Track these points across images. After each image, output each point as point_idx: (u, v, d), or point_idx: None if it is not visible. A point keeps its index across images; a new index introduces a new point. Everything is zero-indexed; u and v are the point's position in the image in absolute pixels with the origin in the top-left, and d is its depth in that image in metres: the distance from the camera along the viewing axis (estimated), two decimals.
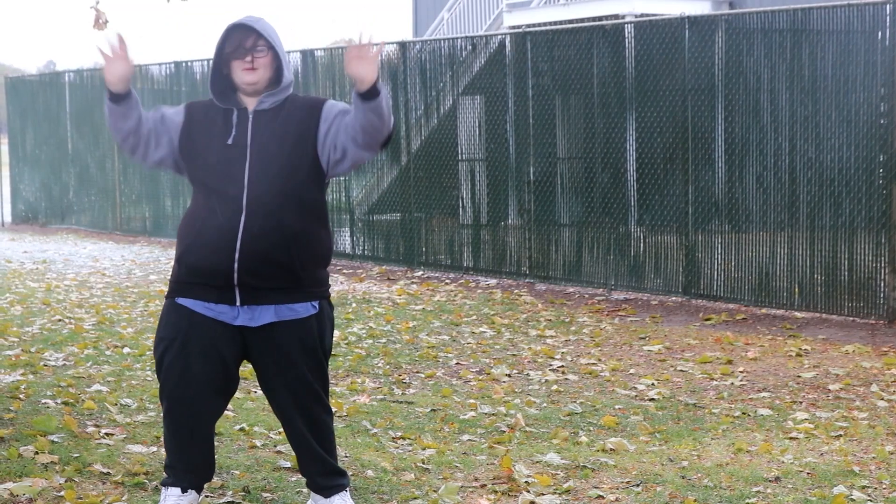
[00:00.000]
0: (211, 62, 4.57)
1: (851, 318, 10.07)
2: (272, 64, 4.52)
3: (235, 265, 4.46)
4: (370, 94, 4.35)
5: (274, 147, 4.50)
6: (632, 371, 8.07)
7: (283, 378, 4.61)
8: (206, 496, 5.02)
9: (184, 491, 4.69)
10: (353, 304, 11.07)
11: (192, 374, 4.55)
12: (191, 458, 4.68)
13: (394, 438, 6.16)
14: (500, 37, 13.86)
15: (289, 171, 4.49)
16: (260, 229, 4.45)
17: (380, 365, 8.19)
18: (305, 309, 4.57)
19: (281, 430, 6.19)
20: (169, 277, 4.69)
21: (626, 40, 11.76)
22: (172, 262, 4.71)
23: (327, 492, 4.78)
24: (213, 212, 4.47)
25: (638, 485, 5.36)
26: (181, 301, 4.56)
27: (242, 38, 4.50)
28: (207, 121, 4.56)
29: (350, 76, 4.38)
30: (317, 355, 4.63)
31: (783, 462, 5.72)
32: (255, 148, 4.50)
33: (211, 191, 4.49)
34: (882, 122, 9.91)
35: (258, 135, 4.51)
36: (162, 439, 5.98)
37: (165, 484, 4.72)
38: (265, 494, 5.15)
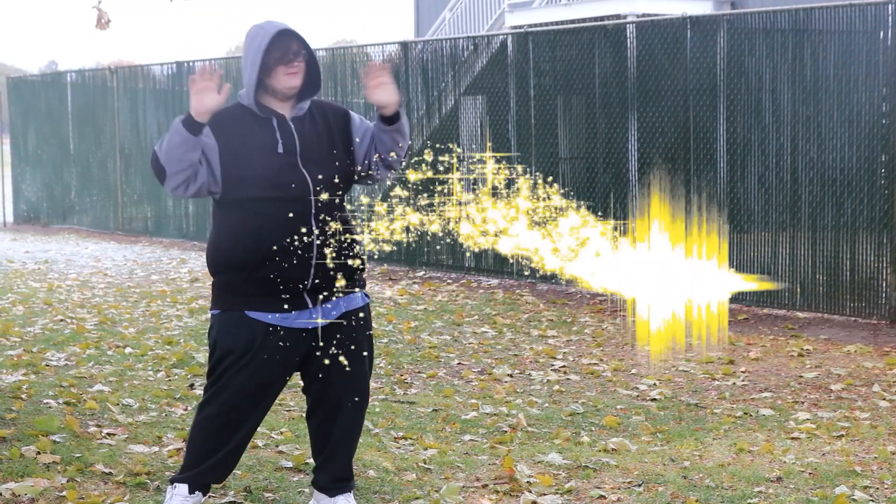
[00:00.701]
0: (252, 69, 4.46)
1: (853, 318, 10.06)
2: (306, 69, 4.57)
3: (312, 270, 4.48)
4: (395, 117, 4.53)
5: (320, 150, 4.54)
6: (633, 371, 8.07)
7: (345, 369, 4.63)
8: (209, 496, 5.02)
9: (191, 492, 4.68)
10: None
11: (262, 386, 4.57)
12: (215, 463, 4.66)
13: (395, 438, 6.16)
14: (501, 37, 13.86)
15: (337, 172, 4.55)
16: (331, 232, 4.50)
17: (381, 365, 8.19)
18: (362, 298, 4.71)
19: (282, 430, 6.20)
20: (218, 287, 4.59)
21: (628, 40, 11.76)
22: (221, 274, 4.56)
23: (333, 491, 4.78)
24: (279, 221, 4.42)
25: (640, 485, 5.36)
26: (253, 315, 4.51)
27: (288, 44, 4.52)
28: (243, 132, 4.50)
29: (373, 103, 4.54)
30: (371, 343, 4.76)
31: (785, 462, 5.71)
32: (304, 152, 4.51)
33: (270, 201, 4.44)
34: (884, 122, 9.91)
35: (304, 140, 4.54)
36: (164, 439, 5.99)
37: (176, 481, 4.70)
38: (267, 494, 5.16)
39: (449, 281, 13.02)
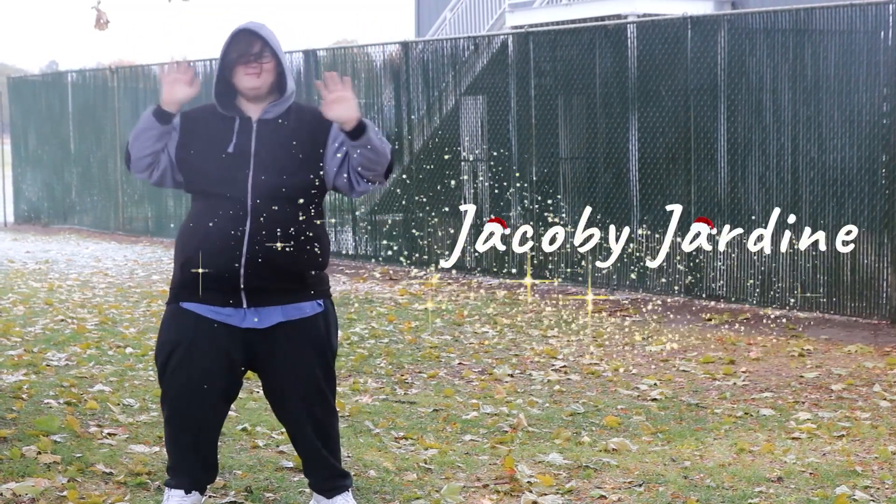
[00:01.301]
0: (215, 67, 4.54)
1: (854, 319, 10.06)
2: (275, 70, 4.53)
3: (241, 269, 4.47)
4: (357, 132, 4.40)
5: (281, 155, 4.50)
6: (634, 371, 8.07)
7: (291, 378, 4.61)
8: (209, 496, 5.02)
9: (187, 492, 4.68)
10: (356, 304, 11.07)
11: (199, 379, 4.54)
12: (193, 462, 4.67)
13: (396, 438, 6.16)
14: (502, 37, 13.86)
15: (295, 180, 4.50)
16: (266, 234, 4.46)
17: (382, 365, 8.19)
18: (312, 307, 4.61)
19: (283, 430, 6.20)
20: (170, 281, 4.68)
21: (629, 40, 11.76)
22: (173, 267, 4.68)
23: (330, 493, 4.78)
24: (216, 218, 4.47)
25: (640, 485, 5.36)
26: (186, 306, 4.55)
27: (248, 44, 4.49)
28: (205, 128, 4.55)
29: (329, 119, 4.42)
30: (325, 354, 4.65)
31: (785, 462, 5.71)
32: (261, 156, 4.49)
33: (212, 197, 4.49)
34: (885, 122, 9.91)
35: (263, 143, 4.51)
36: (163, 440, 6.00)
37: (168, 485, 4.72)
38: (267, 494, 5.15)
39: (449, 281, 13.02)
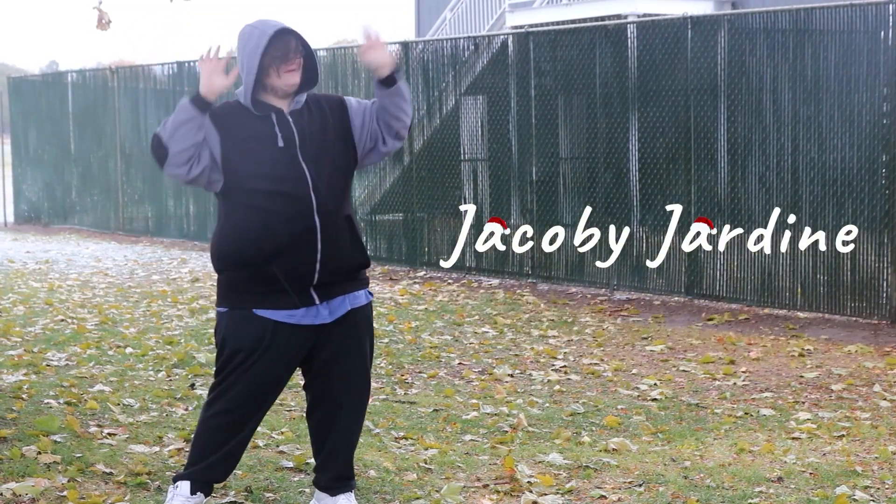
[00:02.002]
0: (251, 69, 4.48)
1: (854, 319, 10.06)
2: (305, 65, 4.60)
3: (318, 266, 4.49)
4: (391, 79, 4.56)
5: (320, 143, 4.56)
6: (634, 371, 8.07)
7: (348, 364, 4.65)
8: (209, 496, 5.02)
9: (193, 492, 4.66)
10: None
11: (267, 384, 4.58)
12: (218, 461, 4.66)
13: (396, 438, 6.16)
14: (502, 37, 13.86)
15: (338, 164, 4.58)
16: (335, 227, 4.52)
17: (382, 365, 8.19)
18: (366, 296, 4.71)
19: (283, 430, 6.20)
20: (224, 285, 4.57)
21: (629, 40, 11.76)
22: (226, 272, 4.54)
23: (334, 490, 4.79)
24: (282, 217, 4.44)
25: (640, 485, 5.36)
26: (261, 312, 4.50)
27: (287, 43, 4.53)
28: (243, 128, 4.52)
29: (368, 65, 4.57)
30: (372, 341, 4.78)
31: (785, 462, 5.71)
32: (304, 146, 4.53)
33: (271, 196, 4.45)
34: (885, 122, 9.91)
35: (303, 134, 4.55)
36: (165, 439, 6.00)
37: (180, 478, 4.69)
38: (267, 494, 5.16)
39: (449, 281, 13.02)
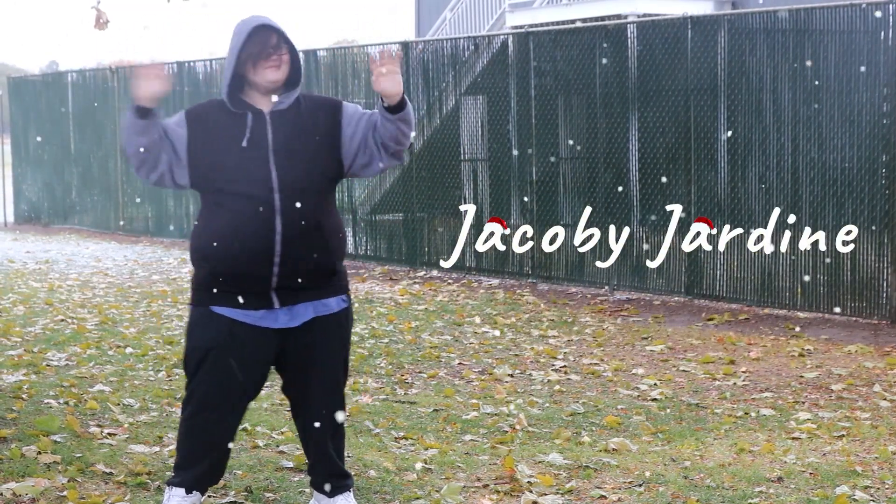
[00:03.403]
0: (229, 64, 4.47)
1: (854, 319, 10.06)
2: (290, 62, 4.53)
3: (276, 269, 4.42)
4: (399, 106, 4.47)
5: (298, 145, 4.48)
6: (634, 371, 8.07)
7: (318, 374, 4.60)
8: (209, 496, 5.02)
9: (188, 492, 4.66)
10: (356, 304, 11.06)
11: (230, 382, 4.52)
12: (204, 463, 4.65)
13: (396, 438, 6.16)
14: (502, 37, 13.86)
15: (315, 169, 4.49)
16: (298, 230, 4.42)
17: (382, 365, 8.19)
18: (337, 303, 4.61)
19: (283, 430, 6.20)
20: (192, 282, 4.60)
21: (629, 40, 11.76)
22: (194, 269, 4.57)
23: (332, 492, 4.78)
24: (243, 217, 4.40)
25: (640, 485, 5.36)
26: (218, 310, 4.49)
27: (266, 38, 4.49)
28: (215, 125, 4.49)
29: (379, 92, 4.47)
30: (346, 349, 4.69)
31: (785, 462, 5.71)
32: (277, 147, 4.46)
33: (234, 196, 4.42)
34: (885, 122, 9.91)
35: (280, 134, 4.48)
36: (165, 439, 6.00)
37: (172, 483, 4.70)
38: (267, 494, 5.15)
39: (449, 281, 13.02)
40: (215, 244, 4.44)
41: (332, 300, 4.59)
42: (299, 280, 4.47)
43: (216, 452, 4.67)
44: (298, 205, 4.42)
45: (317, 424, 4.67)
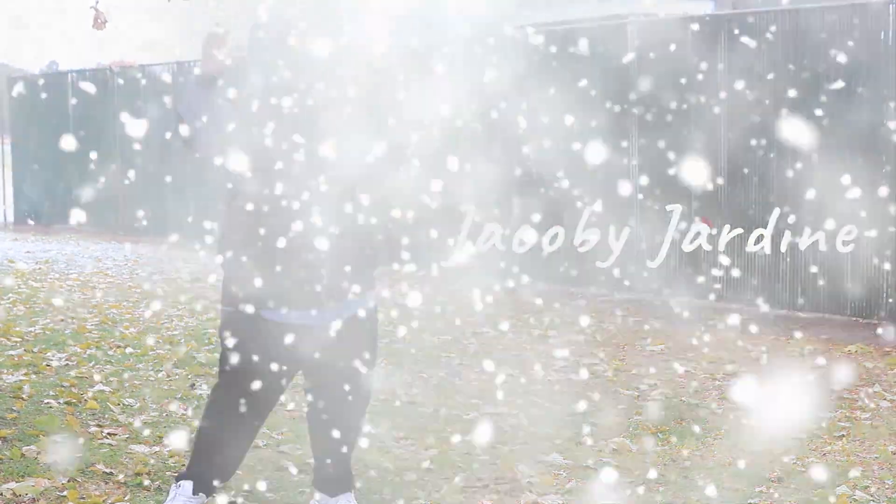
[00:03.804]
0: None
1: (854, 319, 10.05)
2: None
3: (324, 270, 4.41)
4: None
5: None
6: (634, 371, 8.06)
7: (344, 374, 4.57)
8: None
9: (195, 493, 4.64)
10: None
11: (269, 385, 4.48)
12: (224, 461, 4.64)
13: (396, 439, 6.16)
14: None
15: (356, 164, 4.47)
16: (342, 231, 4.41)
17: (382, 365, 8.18)
18: (366, 309, 4.64)
19: (283, 430, 6.20)
20: (224, 282, 4.51)
21: (629, 40, 11.75)
22: (228, 268, 4.49)
23: (335, 492, 4.78)
24: (288, 215, 4.33)
25: (640, 485, 5.35)
26: (263, 313, 4.43)
27: None
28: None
29: None
30: (376, 346, 4.71)
31: (785, 462, 5.71)
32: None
33: (277, 197, 4.36)
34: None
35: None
36: (165, 439, 5.99)
37: (182, 478, 4.67)
38: (267, 494, 5.15)
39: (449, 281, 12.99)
40: (262, 244, 4.37)
41: (368, 297, 4.64)
42: (343, 279, 4.47)
43: (239, 450, 4.66)
44: (345, 202, 4.43)
45: (341, 417, 4.65)
